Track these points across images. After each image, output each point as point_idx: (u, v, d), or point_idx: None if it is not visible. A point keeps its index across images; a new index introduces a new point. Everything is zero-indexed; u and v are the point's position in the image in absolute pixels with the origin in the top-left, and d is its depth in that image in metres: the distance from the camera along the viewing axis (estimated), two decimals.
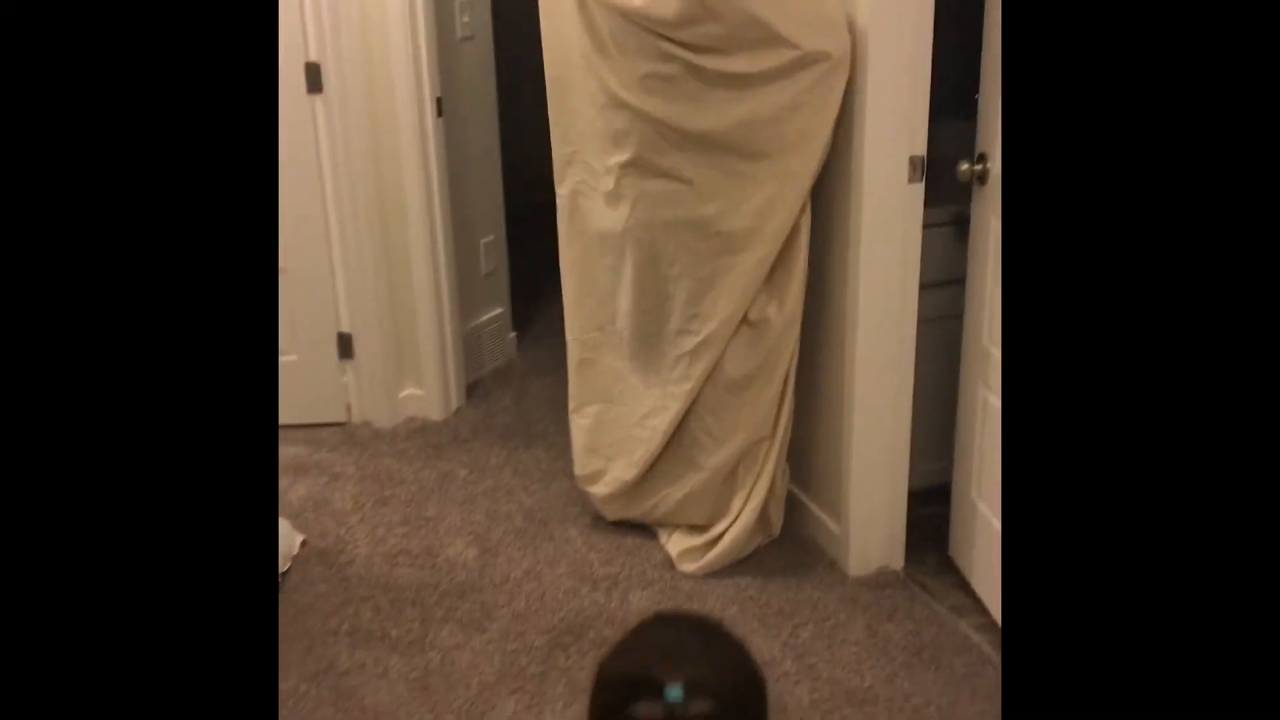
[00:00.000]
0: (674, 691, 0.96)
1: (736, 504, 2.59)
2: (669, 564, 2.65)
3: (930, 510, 2.67)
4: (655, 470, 2.65)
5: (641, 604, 2.50)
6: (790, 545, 2.72)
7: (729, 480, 2.59)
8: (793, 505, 2.79)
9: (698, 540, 2.64)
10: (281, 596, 2.55)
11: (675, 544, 2.68)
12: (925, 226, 2.39)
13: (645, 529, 2.78)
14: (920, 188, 2.34)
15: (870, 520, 2.56)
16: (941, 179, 2.41)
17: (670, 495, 2.65)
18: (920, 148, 2.31)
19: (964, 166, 2.32)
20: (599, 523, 2.84)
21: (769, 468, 2.57)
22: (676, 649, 1.04)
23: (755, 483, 2.58)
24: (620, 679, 1.02)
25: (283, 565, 2.63)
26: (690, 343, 2.49)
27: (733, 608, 2.48)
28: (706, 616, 1.35)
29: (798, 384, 2.60)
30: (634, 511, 2.74)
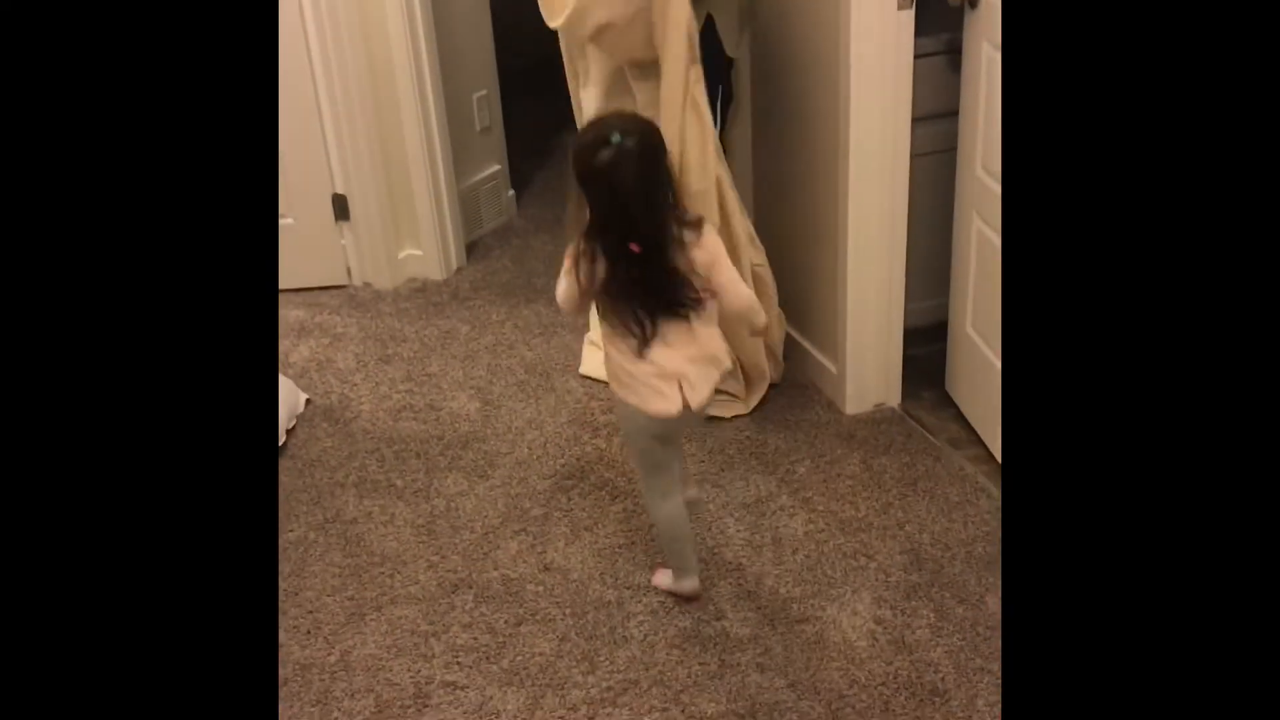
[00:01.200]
0: (616, 137, 1.72)
1: (731, 386, 2.60)
2: None
3: (927, 348, 2.68)
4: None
5: None
6: (788, 388, 2.74)
7: None
8: (791, 349, 2.80)
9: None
10: (287, 452, 2.61)
11: None
12: (916, 57, 2.33)
13: None
14: (910, 15, 2.26)
15: (866, 358, 2.57)
16: (932, 5, 2.33)
17: None
18: None
19: None
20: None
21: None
22: (615, 123, 1.77)
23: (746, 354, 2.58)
24: (589, 143, 1.75)
25: (288, 423, 2.68)
26: None
27: (730, 448, 2.52)
28: (629, 114, 1.96)
29: (790, 224, 2.57)
30: None
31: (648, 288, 1.77)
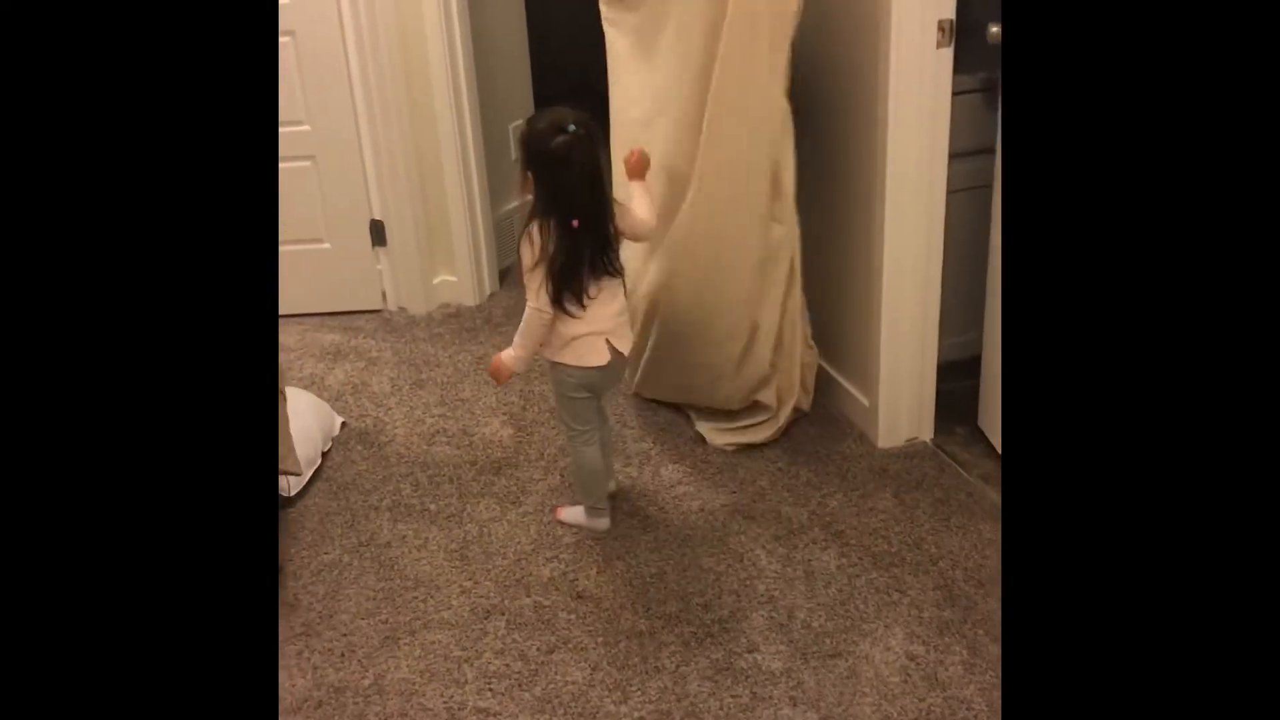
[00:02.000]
0: (571, 126, 1.97)
1: (767, 397, 2.61)
2: (699, 440, 2.69)
3: (960, 383, 2.68)
4: (667, 348, 2.67)
5: (673, 478, 2.55)
6: (820, 420, 2.75)
7: (743, 364, 2.60)
8: (822, 380, 2.81)
9: (726, 425, 2.68)
10: (323, 474, 2.63)
11: (704, 424, 2.72)
12: (954, 94, 2.35)
13: (678, 409, 2.82)
14: (949, 53, 2.29)
15: (900, 392, 2.58)
16: (970, 43, 2.35)
17: (691, 377, 2.69)
18: (949, 11, 2.25)
19: (994, 29, 2.26)
20: (633, 402, 2.88)
21: (794, 356, 2.58)
22: (568, 114, 1.99)
23: (782, 372, 2.59)
24: (544, 130, 2.00)
25: (324, 446, 2.71)
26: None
27: (762, 480, 2.52)
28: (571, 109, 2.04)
29: (826, 257, 2.58)
30: (661, 391, 2.79)
31: (587, 255, 2.06)
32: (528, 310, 2.12)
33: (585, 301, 2.09)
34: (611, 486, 2.47)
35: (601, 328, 2.14)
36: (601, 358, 2.16)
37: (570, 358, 2.17)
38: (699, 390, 2.70)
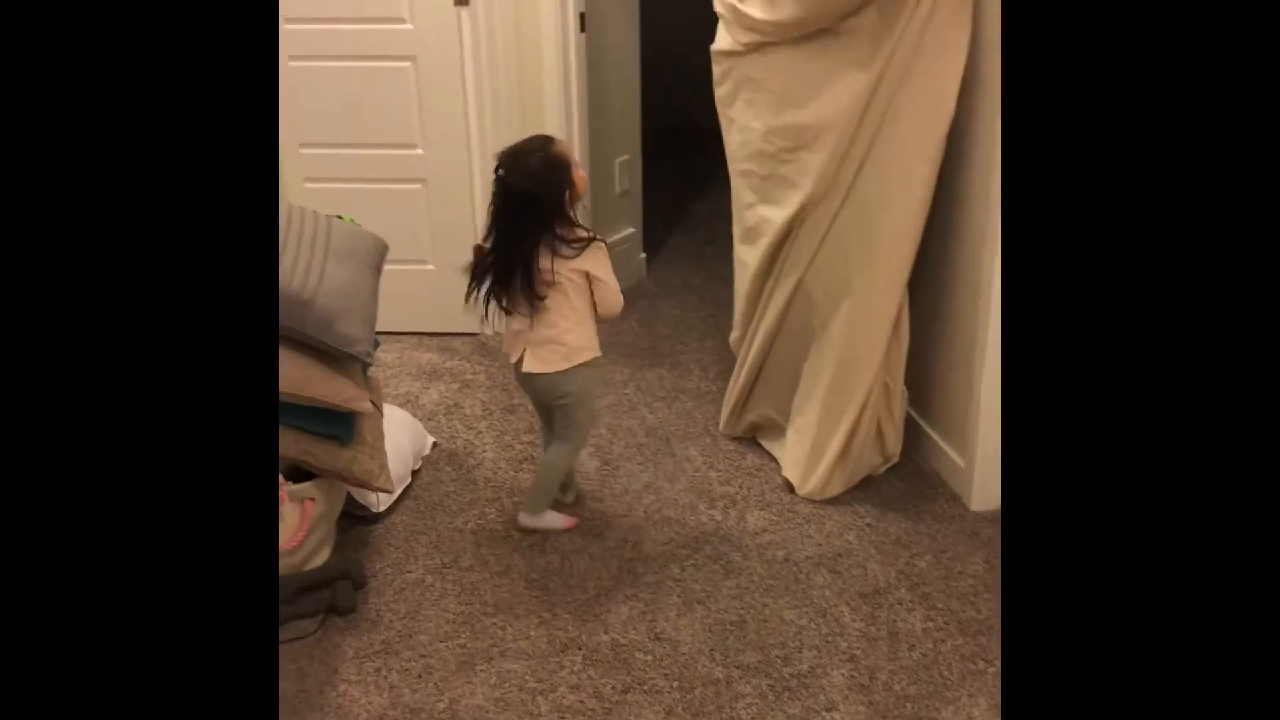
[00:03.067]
0: (499, 169, 2.18)
1: (846, 422, 2.57)
2: (788, 487, 2.66)
3: None
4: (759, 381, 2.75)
5: (758, 524, 2.52)
6: (911, 476, 2.70)
7: (833, 394, 2.59)
8: (916, 435, 2.76)
9: (805, 451, 2.64)
10: (411, 493, 2.66)
11: (789, 464, 2.68)
12: None
13: (766, 453, 2.79)
14: None
15: (997, 456, 2.52)
16: None
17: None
18: None
19: None
20: (720, 443, 2.86)
21: (873, 385, 2.55)
22: (529, 147, 2.22)
23: (865, 401, 2.55)
24: (502, 155, 2.21)
25: (414, 464, 2.74)
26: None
27: (850, 534, 2.48)
28: (547, 140, 2.25)
29: (927, 300, 2.55)
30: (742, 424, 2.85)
31: (497, 275, 2.25)
32: None
33: (507, 306, 2.28)
34: (570, 497, 2.64)
35: (519, 338, 2.33)
36: (512, 361, 2.38)
37: (509, 351, 2.39)
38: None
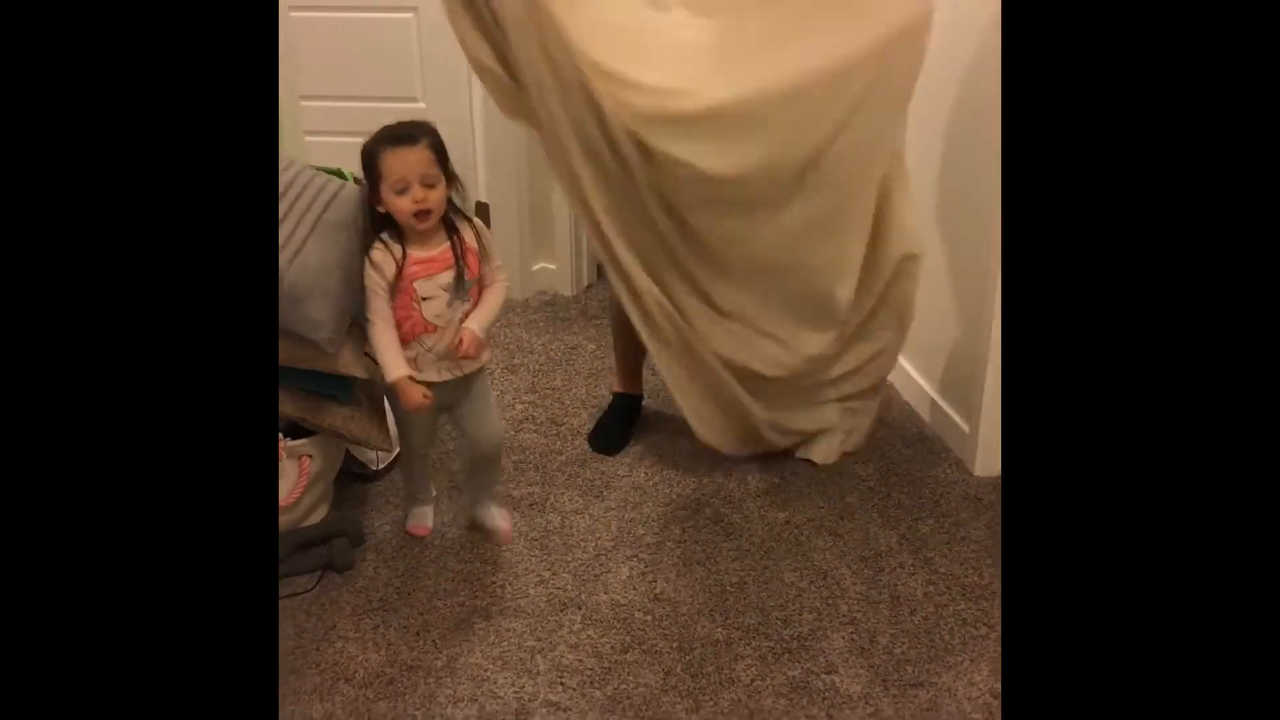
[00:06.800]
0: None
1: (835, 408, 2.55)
2: (788, 451, 2.64)
3: None
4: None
5: (759, 487, 2.50)
6: (915, 441, 2.68)
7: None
8: (917, 397, 2.74)
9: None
10: None
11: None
12: None
13: None
14: None
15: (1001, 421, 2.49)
16: None
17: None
18: None
19: None
20: None
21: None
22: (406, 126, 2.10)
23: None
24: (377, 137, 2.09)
25: None
26: None
27: (851, 497, 2.46)
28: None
29: (934, 263, 2.51)
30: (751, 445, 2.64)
31: None
32: None
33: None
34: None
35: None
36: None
37: None
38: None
